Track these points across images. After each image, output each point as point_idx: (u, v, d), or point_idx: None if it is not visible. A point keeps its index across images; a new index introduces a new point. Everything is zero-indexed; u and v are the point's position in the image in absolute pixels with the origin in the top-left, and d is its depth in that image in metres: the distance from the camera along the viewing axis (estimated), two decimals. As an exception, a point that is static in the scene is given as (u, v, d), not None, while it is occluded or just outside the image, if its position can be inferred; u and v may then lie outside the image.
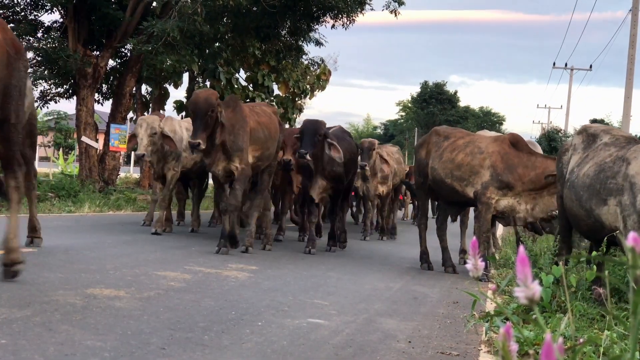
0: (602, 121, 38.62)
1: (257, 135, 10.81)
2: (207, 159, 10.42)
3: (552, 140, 31.94)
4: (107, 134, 22.11)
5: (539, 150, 12.77)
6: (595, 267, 7.00)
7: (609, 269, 7.01)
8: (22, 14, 21.56)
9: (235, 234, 10.28)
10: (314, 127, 10.99)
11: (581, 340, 2.75)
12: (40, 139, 47.63)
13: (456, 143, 10.37)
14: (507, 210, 9.73)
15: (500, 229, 17.52)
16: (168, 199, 12.81)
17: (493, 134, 12.17)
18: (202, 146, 9.63)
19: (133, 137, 12.55)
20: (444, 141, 10.52)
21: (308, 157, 10.71)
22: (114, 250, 8.94)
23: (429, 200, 11.85)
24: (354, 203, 21.86)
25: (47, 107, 24.63)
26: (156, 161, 12.61)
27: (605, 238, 6.72)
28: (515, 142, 9.98)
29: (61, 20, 21.63)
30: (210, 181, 13.64)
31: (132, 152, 29.90)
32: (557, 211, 8.75)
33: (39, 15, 21.89)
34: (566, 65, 47.82)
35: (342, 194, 12.51)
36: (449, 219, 11.53)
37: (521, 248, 1.58)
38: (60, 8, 20.74)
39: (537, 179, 9.60)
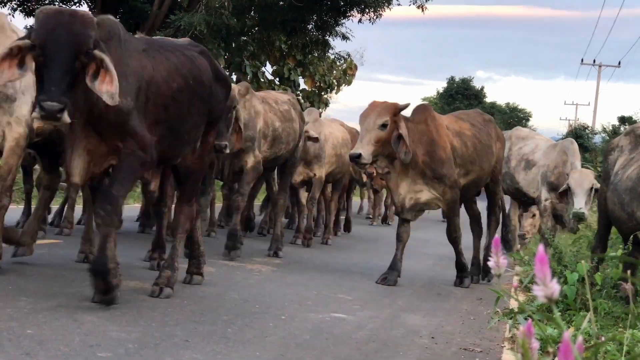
0: (630, 118, 38.19)
1: None
2: None
3: (579, 137, 31.69)
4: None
5: (576, 152, 10.77)
6: (621, 265, 6.93)
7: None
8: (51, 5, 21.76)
9: None
10: (70, 36, 4.81)
11: (602, 338, 2.74)
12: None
13: None
14: None
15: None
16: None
17: (527, 131, 12.34)
18: None
19: None
20: None
21: (65, 117, 4.67)
22: (139, 242, 9.00)
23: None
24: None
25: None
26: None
27: (632, 237, 6.63)
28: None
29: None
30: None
31: None
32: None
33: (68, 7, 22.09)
34: (594, 61, 47.45)
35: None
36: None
37: (540, 246, 1.58)
38: (88, 0, 20.89)
39: None
